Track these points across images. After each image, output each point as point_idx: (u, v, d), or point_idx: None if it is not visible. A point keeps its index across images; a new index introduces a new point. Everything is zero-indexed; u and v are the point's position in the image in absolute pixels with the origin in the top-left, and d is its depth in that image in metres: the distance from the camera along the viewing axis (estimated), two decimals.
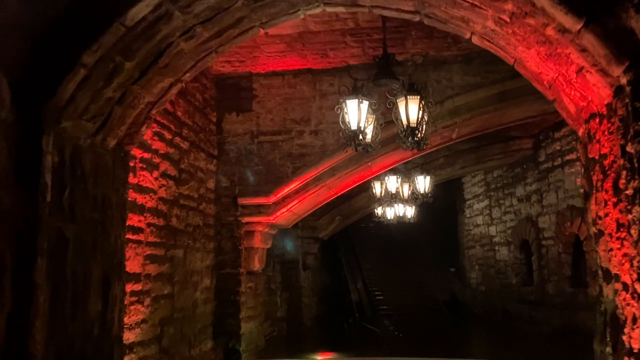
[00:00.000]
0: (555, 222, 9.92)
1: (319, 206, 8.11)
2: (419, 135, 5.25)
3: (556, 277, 9.90)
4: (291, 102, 7.38)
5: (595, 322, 3.45)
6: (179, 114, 6.27)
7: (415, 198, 9.34)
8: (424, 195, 9.18)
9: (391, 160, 7.64)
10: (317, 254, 11.80)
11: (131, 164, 5.09)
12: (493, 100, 6.94)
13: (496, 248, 12.84)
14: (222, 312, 7.17)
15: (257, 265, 7.50)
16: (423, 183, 9.14)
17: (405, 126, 5.20)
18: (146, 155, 5.45)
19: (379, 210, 12.87)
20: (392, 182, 9.01)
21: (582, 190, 8.60)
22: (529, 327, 10.65)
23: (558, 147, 9.80)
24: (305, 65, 7.20)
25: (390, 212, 12.95)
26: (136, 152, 5.21)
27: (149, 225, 5.48)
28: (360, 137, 5.41)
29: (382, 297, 14.49)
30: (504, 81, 6.85)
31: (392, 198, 9.26)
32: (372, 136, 5.65)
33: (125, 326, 4.90)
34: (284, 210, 7.32)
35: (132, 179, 5.13)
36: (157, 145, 5.71)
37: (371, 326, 11.65)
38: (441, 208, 15.87)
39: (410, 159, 8.01)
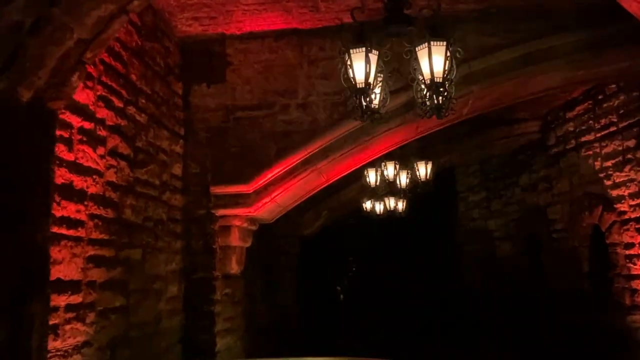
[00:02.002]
0: (568, 212, 8.87)
1: (308, 196, 6.86)
2: (444, 94, 4.07)
3: (571, 273, 8.85)
4: (273, 71, 6.12)
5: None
6: (133, 77, 4.96)
7: (414, 187, 8.18)
8: (425, 183, 8.03)
9: (393, 139, 6.44)
10: (301, 254, 10.55)
11: (64, 134, 3.81)
12: (516, 65, 5.79)
13: (497, 243, 11.78)
14: (193, 326, 5.87)
15: (235, 267, 6.22)
16: (424, 169, 7.99)
17: (428, 82, 4.01)
18: (87, 125, 4.14)
19: (367, 205, 11.76)
20: (390, 169, 7.84)
21: (602, 174, 7.52)
22: (539, 330, 9.59)
23: (571, 128, 8.76)
24: (289, 25, 5.96)
25: (380, 207, 11.87)
26: (72, 118, 3.91)
27: (92, 217, 4.17)
28: (368, 100, 4.22)
29: (371, 298, 13.33)
30: (527, 41, 5.72)
31: (389, 187, 8.07)
32: (381, 100, 4.45)
33: (58, 353, 3.60)
34: (266, 200, 6.06)
35: (66, 155, 3.84)
36: (103, 113, 4.40)
37: (362, 331, 10.47)
38: (432, 202, 14.78)
39: (412, 139, 6.82)
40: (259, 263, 9.06)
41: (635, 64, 6.15)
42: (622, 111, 7.45)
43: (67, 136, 3.87)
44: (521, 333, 10.11)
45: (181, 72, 6.13)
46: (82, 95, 4.07)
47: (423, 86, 4.13)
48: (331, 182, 6.85)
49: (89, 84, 4.17)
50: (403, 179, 8.14)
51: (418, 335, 11.45)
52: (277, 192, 6.05)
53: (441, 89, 4.06)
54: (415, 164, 7.91)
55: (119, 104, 4.66)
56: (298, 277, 10.64)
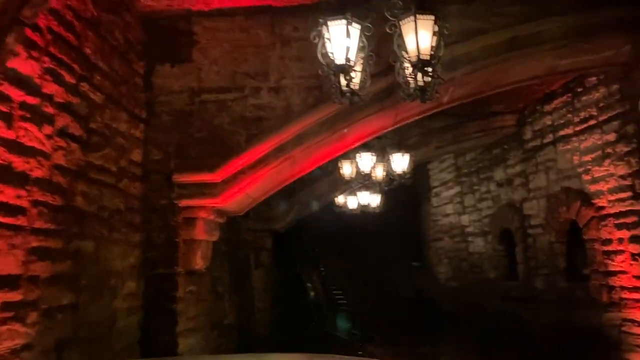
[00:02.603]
0: (545, 208, 8.71)
1: (280, 186, 6.45)
2: (431, 73, 3.73)
3: (546, 270, 8.69)
4: (243, 51, 5.69)
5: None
6: (88, 51, 4.47)
7: (390, 180, 7.86)
8: (402, 176, 7.71)
9: (370, 127, 6.09)
10: (271, 250, 10.13)
11: (3, 108, 3.33)
12: (500, 50, 5.51)
13: (469, 239, 11.59)
14: (153, 326, 5.41)
15: (199, 262, 5.77)
16: (401, 162, 7.68)
17: (413, 59, 3.67)
18: (32, 100, 3.65)
19: (340, 199, 11.44)
20: (366, 160, 7.49)
21: (580, 169, 7.34)
22: (513, 327, 9.41)
23: (549, 122, 8.58)
24: (262, 1, 5.56)
25: (353, 201, 11.56)
26: (12, 91, 3.44)
27: (36, 203, 3.69)
28: (346, 79, 3.85)
29: (342, 297, 13.00)
30: (513, 25, 5.45)
31: (365, 180, 7.72)
32: (361, 81, 4.09)
33: None
34: (235, 190, 5.63)
35: (4, 132, 3.37)
36: (52, 88, 3.91)
37: (334, 331, 10.13)
38: (404, 197, 14.56)
39: (390, 128, 6.48)
40: (226, 258, 8.61)
41: (620, 53, 5.96)
42: (602, 104, 7.28)
43: (7, 111, 3.40)
44: (494, 329, 9.93)
45: (143, 50, 5.64)
46: (26, 66, 3.59)
47: (407, 65, 3.79)
48: (305, 172, 6.47)
49: (34, 53, 3.68)
50: (379, 172, 7.81)
51: (388, 331, 11.16)
52: (247, 181, 5.62)
53: (427, 68, 3.72)
54: (391, 156, 7.59)
55: (70, 79, 4.17)
56: (268, 274, 10.22)
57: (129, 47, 5.35)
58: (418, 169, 12.59)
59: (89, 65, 4.48)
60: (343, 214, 11.70)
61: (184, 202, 5.56)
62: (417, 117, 6.43)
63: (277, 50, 5.66)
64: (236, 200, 5.86)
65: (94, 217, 4.52)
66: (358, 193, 11.30)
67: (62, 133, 4.05)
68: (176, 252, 5.55)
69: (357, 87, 4.05)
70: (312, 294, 12.62)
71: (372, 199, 11.49)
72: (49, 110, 3.89)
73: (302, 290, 12.54)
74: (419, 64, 3.64)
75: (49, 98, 3.88)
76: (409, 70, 3.82)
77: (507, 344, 9.36)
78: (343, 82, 3.80)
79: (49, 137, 3.87)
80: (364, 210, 11.58)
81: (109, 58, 4.88)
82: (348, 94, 3.94)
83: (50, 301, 3.84)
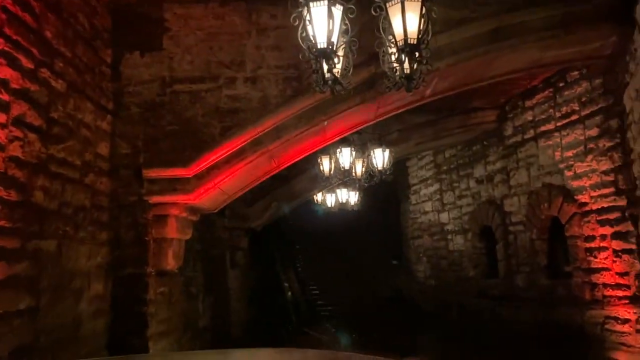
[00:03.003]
0: (526, 205, 8.60)
1: (257, 182, 6.18)
2: (418, 59, 3.51)
3: (528, 267, 8.59)
4: (218, 39, 5.41)
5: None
6: (48, 35, 4.14)
7: (371, 176, 7.64)
8: (382, 172, 7.51)
9: (351, 121, 5.86)
10: (247, 249, 9.83)
11: None
12: (484, 40, 5.33)
13: (449, 237, 11.47)
14: (122, 330, 5.09)
15: (171, 262, 5.47)
16: (381, 157, 7.47)
17: (401, 43, 3.44)
18: None
19: (319, 197, 11.20)
20: (346, 156, 7.26)
21: (562, 165, 7.23)
22: (493, 326, 9.30)
23: (530, 118, 8.47)
24: None
25: (332, 199, 11.34)
26: None
27: None
28: (328, 64, 3.61)
29: (320, 296, 12.76)
30: (498, 15, 5.28)
31: (345, 176, 7.49)
32: (344, 69, 3.85)
33: None
34: (208, 186, 5.35)
35: None
36: (6, 73, 3.59)
37: (313, 331, 9.88)
38: (383, 195, 14.41)
39: (371, 122, 6.26)
40: (200, 258, 8.31)
41: (605, 45, 5.84)
42: (584, 99, 7.18)
43: None
44: (474, 328, 9.81)
45: (111, 37, 5.32)
46: None
47: (394, 50, 3.56)
48: (283, 167, 6.21)
49: None
50: (359, 168, 7.59)
51: (367, 330, 10.97)
52: (222, 177, 5.34)
53: (415, 53, 3.50)
54: (372, 151, 7.37)
55: (28, 64, 3.84)
56: (244, 273, 9.93)
57: (95, 34, 5.02)
58: (397, 166, 12.43)
59: (49, 50, 4.15)
60: (321, 211, 11.46)
61: (154, 199, 5.25)
62: (398, 111, 6.22)
63: (253, 38, 5.39)
64: (210, 196, 5.57)
65: (56, 214, 4.19)
66: (337, 190, 11.10)
67: (19, 122, 3.71)
68: (146, 252, 5.24)
69: (339, 74, 3.80)
70: (289, 293, 12.35)
71: (350, 197, 11.30)
72: (4, 97, 3.56)
73: (280, 289, 12.27)
74: (407, 49, 3.42)
75: (3, 83, 3.55)
76: (395, 56, 3.59)
77: (487, 342, 9.24)
78: (325, 68, 3.54)
79: (3, 126, 3.54)
80: (342, 208, 11.38)
81: (72, 44, 4.55)
82: (330, 82, 3.69)
83: (6, 305, 3.51)
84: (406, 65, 3.67)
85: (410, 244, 13.57)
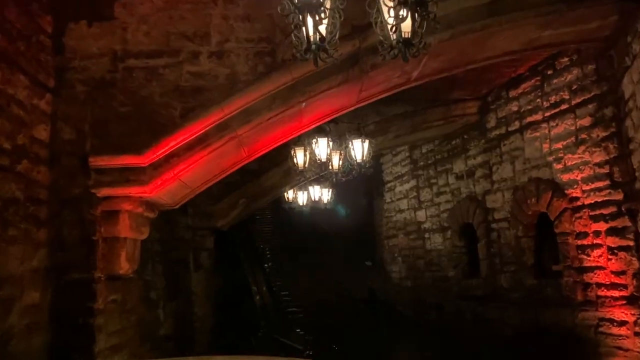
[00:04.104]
0: (511, 200, 8.13)
1: (224, 174, 5.47)
2: (424, 13, 2.90)
3: (513, 266, 8.12)
4: (178, 8, 4.69)
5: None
6: None
7: (349, 170, 7.02)
8: (361, 165, 6.90)
9: (331, 104, 5.22)
10: (213, 250, 9.07)
11: None
12: (482, 13, 4.77)
13: (426, 236, 10.96)
14: (65, 347, 4.32)
15: (124, 266, 4.72)
16: (360, 149, 6.86)
17: None
18: None
19: (290, 194, 10.53)
20: (322, 147, 6.62)
21: (551, 157, 6.76)
22: (475, 328, 8.82)
23: (515, 108, 8.01)
24: None
25: (304, 197, 10.69)
26: None
27: None
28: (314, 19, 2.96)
29: (290, 300, 12.08)
30: None
31: (321, 169, 6.83)
32: (329, 33, 3.20)
33: None
34: (167, 177, 4.63)
35: None
36: None
37: (283, 338, 9.20)
38: (356, 194, 13.86)
39: (352, 107, 5.63)
40: (161, 260, 7.53)
41: (604, 25, 5.39)
42: (575, 87, 6.74)
43: None
44: (454, 331, 9.32)
45: (52, 3, 4.54)
46: None
47: (390, 3, 2.93)
48: (254, 158, 5.53)
49: None
50: (336, 161, 6.96)
51: (341, 337, 10.38)
52: (182, 166, 4.63)
53: (416, 11, 2.89)
54: (350, 142, 6.76)
55: None
56: (210, 277, 9.17)
57: None
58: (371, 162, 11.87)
59: None
60: (293, 210, 10.79)
61: (103, 192, 4.51)
62: (382, 95, 5.63)
63: (219, 7, 4.70)
64: (169, 189, 4.84)
65: None
66: (309, 187, 10.46)
67: None
68: (94, 253, 4.49)
69: (325, 36, 3.15)
70: (258, 297, 11.63)
71: (324, 194, 10.67)
72: None
73: (248, 293, 11.52)
74: (408, 1, 2.79)
75: None
76: (391, 17, 2.97)
77: (468, 345, 8.76)
78: (310, 25, 2.89)
79: None
80: (315, 206, 10.74)
81: (0, 5, 3.78)
82: (314, 47, 3.04)
83: None
84: (405, 26, 3.06)
85: (384, 244, 13.03)
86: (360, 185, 13.27)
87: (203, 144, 4.57)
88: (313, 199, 10.63)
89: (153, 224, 5.94)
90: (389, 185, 12.68)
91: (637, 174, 5.61)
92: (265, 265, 12.72)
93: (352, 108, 5.62)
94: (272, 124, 4.83)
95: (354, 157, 6.79)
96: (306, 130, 5.65)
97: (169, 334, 7.62)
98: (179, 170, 4.61)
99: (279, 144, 5.52)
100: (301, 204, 10.76)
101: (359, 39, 4.52)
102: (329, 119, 5.63)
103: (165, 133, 4.49)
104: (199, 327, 8.65)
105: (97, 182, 4.47)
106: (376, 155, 11.88)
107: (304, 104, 4.68)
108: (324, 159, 6.61)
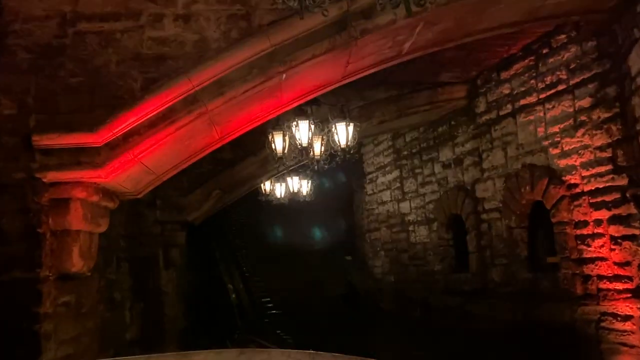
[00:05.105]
0: (503, 189, 7.67)
1: (194, 158, 4.85)
2: None
3: (505, 259, 7.67)
4: None
5: None
6: None
7: (332, 156, 6.45)
8: (345, 150, 6.33)
9: (315, 77, 4.64)
10: (185, 246, 8.41)
11: None
12: None
13: (410, 228, 10.47)
14: (5, 357, 3.67)
15: (78, 263, 4.09)
16: (345, 133, 6.29)
17: None
18: None
19: (267, 186, 9.95)
20: (303, 130, 6.04)
21: (547, 142, 6.26)
22: (463, 325, 8.35)
23: (507, 91, 7.55)
24: None
25: (282, 189, 10.12)
26: None
27: None
28: None
29: (268, 298, 11.49)
30: None
31: (302, 155, 6.25)
32: None
33: None
34: (126, 158, 4.00)
35: None
36: None
37: (262, 340, 8.61)
38: (335, 186, 13.33)
39: (337, 83, 5.05)
40: (127, 257, 6.86)
41: None
42: (573, 66, 6.30)
43: None
44: (441, 328, 8.85)
45: None
46: None
47: None
48: (229, 139, 4.91)
49: None
50: (317, 146, 6.39)
51: (320, 334, 9.84)
52: (144, 146, 4.00)
53: None
54: (334, 125, 6.19)
55: None
56: (181, 274, 8.51)
57: None
58: (356, 147, 11.32)
59: None
60: (270, 203, 10.21)
61: (50, 176, 3.87)
62: (371, 70, 5.08)
63: None
64: (129, 173, 4.21)
65: None
66: (287, 179, 9.88)
67: None
68: (40, 248, 3.86)
69: None
70: (234, 295, 11.00)
71: (303, 186, 10.10)
72: None
73: (224, 291, 10.88)
74: None
75: None
76: None
77: (457, 343, 8.30)
78: None
79: None
80: (293, 198, 10.17)
81: None
82: None
83: None
84: None
85: (366, 238, 12.51)
86: (340, 177, 12.75)
87: (168, 121, 3.95)
88: (292, 190, 10.07)
89: (116, 217, 5.33)
90: (370, 176, 12.16)
91: None
92: (242, 262, 12.08)
93: (338, 84, 5.05)
94: (247, 99, 4.22)
95: (337, 141, 6.21)
96: (286, 109, 5.06)
97: (135, 337, 6.96)
98: (140, 151, 3.98)
99: (255, 124, 4.92)
100: (279, 196, 10.20)
101: (348, 0, 3.95)
102: (311, 96, 5.04)
103: (123, 108, 3.86)
104: (169, 329, 7.99)
105: (43, 165, 3.83)
106: (357, 146, 11.38)
107: (284, 75, 4.09)
108: (304, 143, 6.02)
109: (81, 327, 4.54)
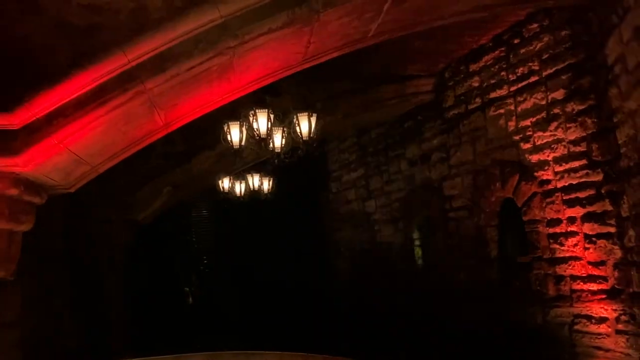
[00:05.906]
0: (471, 186, 7.36)
1: (136, 148, 4.28)
2: None
3: (473, 259, 7.34)
4: None
5: None
6: None
7: (294, 149, 5.98)
8: (308, 143, 5.87)
9: (272, 57, 4.15)
10: (133, 247, 7.79)
11: None
12: None
13: (376, 228, 10.07)
14: None
15: None
16: (307, 124, 5.82)
17: None
18: None
19: (225, 183, 9.37)
20: (262, 121, 5.54)
21: (518, 137, 5.90)
22: (429, 328, 8.01)
23: (476, 84, 7.23)
24: None
25: (241, 186, 9.56)
26: None
27: None
28: None
29: (231, 303, 10.93)
30: None
31: (260, 148, 5.75)
32: None
33: None
34: (50, 143, 3.43)
35: None
36: None
37: (222, 348, 8.05)
38: (297, 184, 12.82)
39: (298, 66, 4.58)
40: (66, 259, 6.23)
41: None
42: (546, 56, 6.01)
43: None
44: (407, 330, 8.50)
45: None
46: None
47: None
48: (175, 127, 4.38)
49: None
50: (278, 139, 5.91)
51: (286, 343, 9.36)
52: (72, 129, 3.44)
53: None
54: (295, 116, 5.72)
55: None
56: (129, 278, 7.89)
57: None
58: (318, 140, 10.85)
59: None
60: (229, 202, 9.64)
61: None
62: (335, 53, 4.64)
63: None
64: (56, 163, 3.64)
65: None
66: (247, 176, 9.36)
67: None
68: None
69: None
70: (190, 299, 10.39)
71: (263, 183, 9.60)
72: None
73: (179, 297, 10.26)
74: None
75: None
76: None
77: (421, 347, 7.96)
78: None
79: None
80: (254, 196, 9.64)
81: None
82: None
83: None
84: None
85: (329, 238, 12.06)
86: (300, 176, 12.26)
87: (99, 100, 3.41)
88: (252, 188, 9.56)
89: (50, 214, 4.73)
90: (334, 174, 11.72)
91: (622, 150, 4.90)
92: (199, 264, 11.47)
93: (300, 67, 4.58)
94: (194, 78, 3.71)
95: (299, 133, 5.74)
96: (241, 94, 4.55)
97: (76, 349, 6.33)
98: (66, 135, 3.42)
99: (206, 110, 4.40)
100: (238, 194, 9.67)
101: None
102: (269, 80, 4.55)
103: (46, 84, 3.30)
104: (117, 338, 7.38)
105: None
106: (320, 143, 10.93)
107: (234, 47, 3.58)
108: (263, 134, 5.53)
109: (2, 341, 3.94)
